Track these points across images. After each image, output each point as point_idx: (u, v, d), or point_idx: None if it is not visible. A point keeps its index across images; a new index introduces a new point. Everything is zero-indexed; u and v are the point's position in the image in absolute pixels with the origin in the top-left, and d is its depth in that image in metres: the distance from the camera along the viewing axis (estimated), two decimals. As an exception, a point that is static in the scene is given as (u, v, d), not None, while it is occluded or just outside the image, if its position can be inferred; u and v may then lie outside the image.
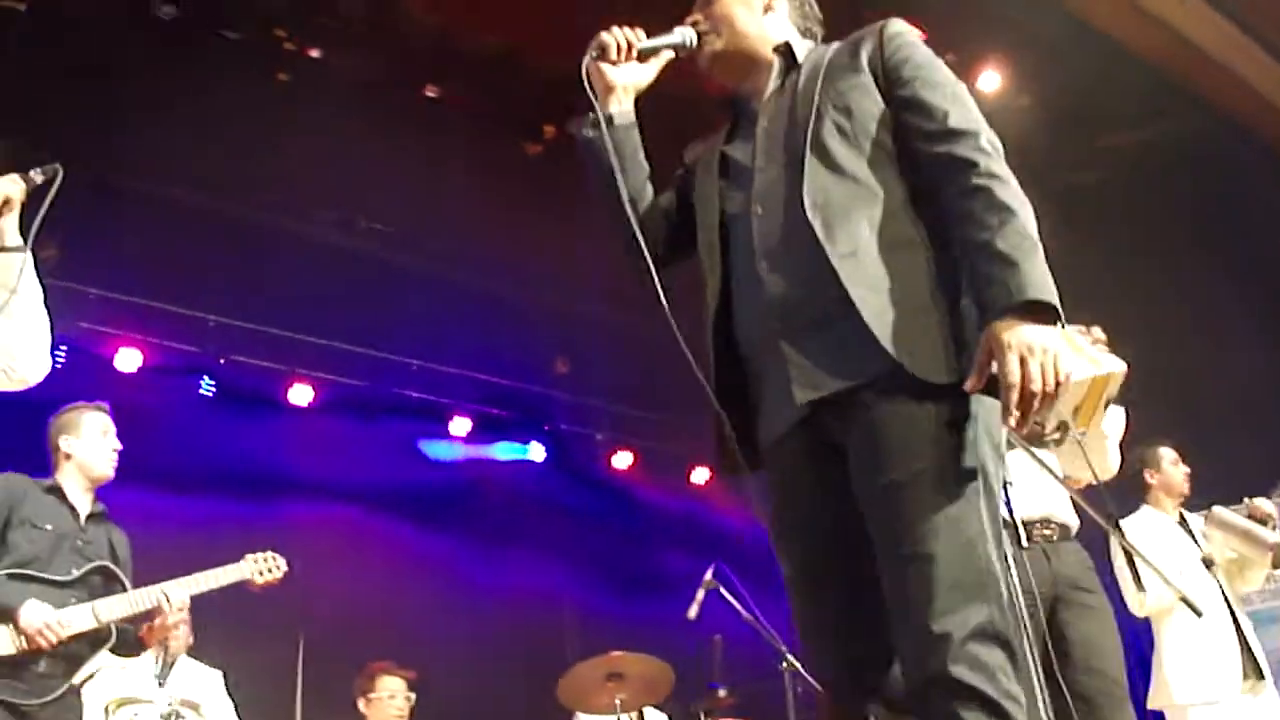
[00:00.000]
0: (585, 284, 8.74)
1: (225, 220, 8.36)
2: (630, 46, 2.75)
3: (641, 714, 7.37)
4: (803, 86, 2.68)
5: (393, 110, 7.94)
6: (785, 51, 2.80)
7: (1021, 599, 3.39)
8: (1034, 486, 4.28)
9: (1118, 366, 4.22)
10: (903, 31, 2.73)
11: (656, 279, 2.60)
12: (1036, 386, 2.28)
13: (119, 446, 5.37)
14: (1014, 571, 3.41)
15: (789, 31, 2.86)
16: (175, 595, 5.14)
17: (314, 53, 7.76)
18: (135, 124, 7.16)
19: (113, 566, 5.18)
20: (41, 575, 4.93)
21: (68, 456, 5.26)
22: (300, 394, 9.41)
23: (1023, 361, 2.28)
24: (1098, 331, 4.44)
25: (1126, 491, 5.98)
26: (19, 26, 6.88)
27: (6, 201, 3.19)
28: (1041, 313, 2.33)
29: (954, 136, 2.52)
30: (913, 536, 2.29)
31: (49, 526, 5.05)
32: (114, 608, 5.02)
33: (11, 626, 4.74)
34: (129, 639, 5.20)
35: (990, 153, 2.50)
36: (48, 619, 4.76)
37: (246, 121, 7.45)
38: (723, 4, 2.82)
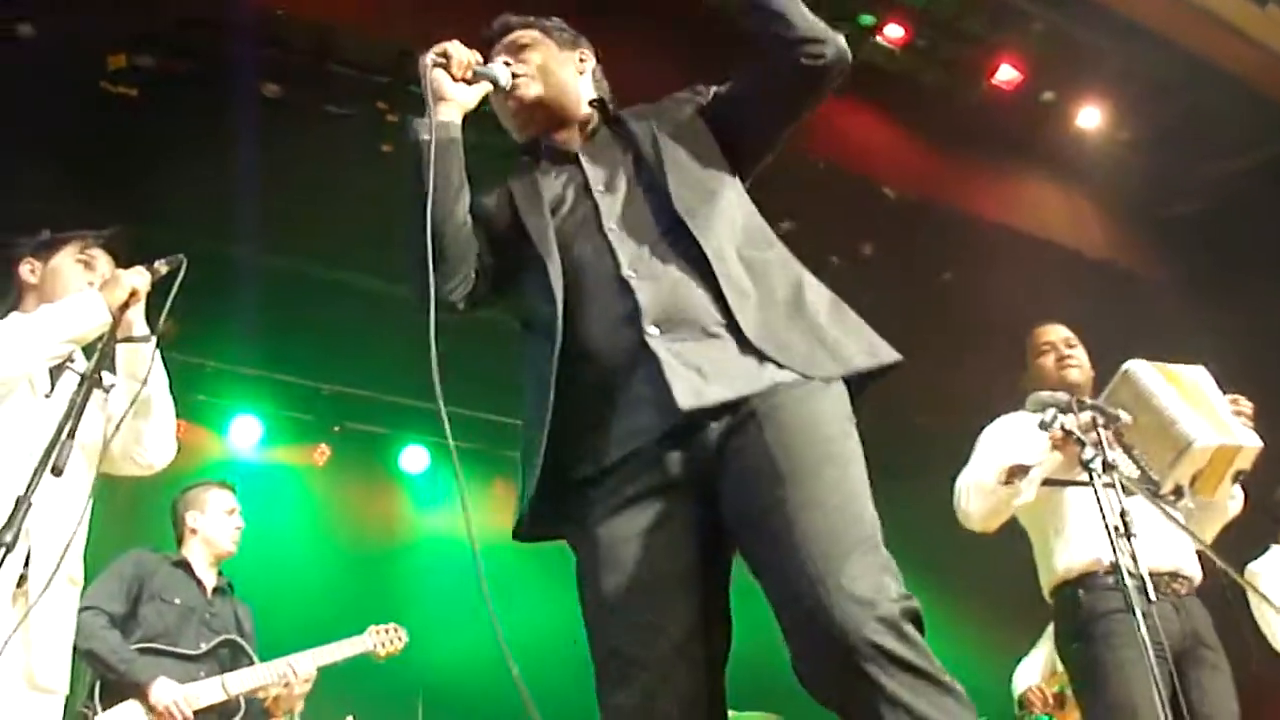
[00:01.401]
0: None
1: (336, 289, 8.47)
2: (468, 65, 2.69)
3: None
4: (634, 123, 2.77)
5: (495, 177, 8.01)
6: (601, 105, 2.90)
7: (1152, 652, 3.33)
8: (1163, 539, 4.18)
9: (1249, 440, 4.12)
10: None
11: (433, 295, 2.49)
12: None
13: (241, 524, 5.49)
14: (1143, 627, 3.35)
15: (593, 92, 2.94)
16: (302, 669, 5.20)
17: (416, 123, 7.86)
18: (246, 197, 7.30)
19: (240, 640, 5.27)
20: (172, 649, 5.04)
21: (194, 532, 5.38)
22: (414, 459, 9.49)
23: None
24: (1245, 403, 4.32)
25: (1248, 535, 5.81)
26: (132, 105, 7.06)
27: (134, 294, 3.27)
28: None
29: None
30: (830, 538, 2.15)
31: (178, 601, 5.16)
32: (242, 681, 5.10)
33: (144, 701, 4.83)
34: (256, 711, 5.26)
35: None
36: (177, 696, 4.84)
37: (354, 192, 7.56)
38: (541, 55, 2.86)
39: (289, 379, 9.10)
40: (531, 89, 2.81)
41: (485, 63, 2.76)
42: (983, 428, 4.59)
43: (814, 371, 2.38)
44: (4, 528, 2.56)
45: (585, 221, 2.63)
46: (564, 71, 2.89)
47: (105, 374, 3.04)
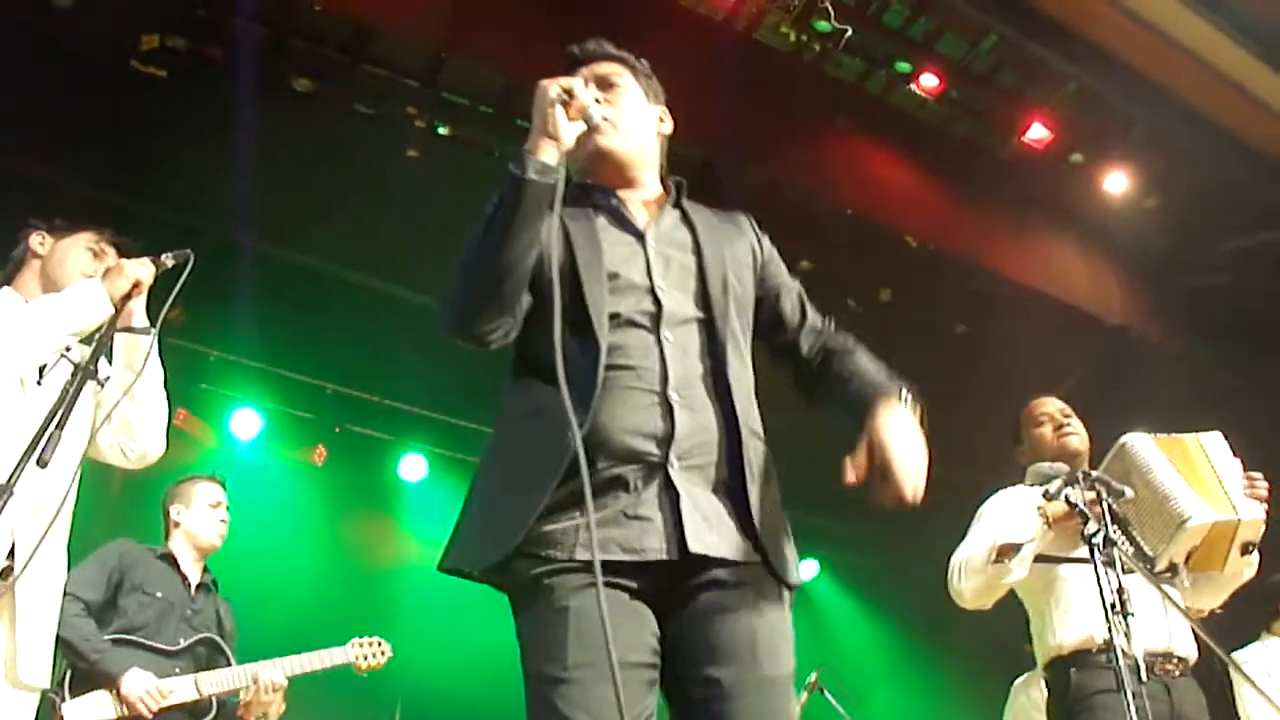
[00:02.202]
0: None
1: (348, 289, 8.44)
2: (582, 109, 2.58)
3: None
4: (704, 238, 2.76)
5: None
6: (679, 187, 2.86)
7: None
8: (1157, 618, 4.13)
9: (1249, 514, 4.06)
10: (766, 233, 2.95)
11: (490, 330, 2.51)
12: (914, 481, 2.53)
13: (227, 519, 5.43)
14: (1132, 708, 3.30)
15: (659, 160, 2.91)
16: (276, 676, 5.16)
17: (443, 130, 7.84)
18: (263, 190, 7.27)
19: (219, 639, 5.22)
20: (148, 643, 4.98)
21: (177, 525, 5.33)
22: (412, 467, 9.44)
23: (909, 450, 2.52)
24: (1261, 481, 4.27)
25: (1245, 619, 5.74)
26: (161, 86, 7.04)
27: (137, 285, 3.22)
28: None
29: (826, 331, 2.88)
30: None
31: (159, 594, 5.10)
32: (216, 681, 5.06)
33: (114, 692, 4.77)
34: (229, 712, 5.20)
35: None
36: (149, 687, 4.79)
37: (374, 194, 7.54)
38: (628, 102, 2.83)
39: (293, 375, 9.05)
40: (611, 139, 2.74)
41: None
42: (987, 495, 4.54)
43: (787, 577, 2.54)
44: (-15, 517, 2.51)
45: (641, 314, 2.61)
46: (644, 128, 2.85)
47: (100, 364, 2.98)
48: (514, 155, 2.48)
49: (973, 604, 4.25)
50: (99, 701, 4.77)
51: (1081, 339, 8.47)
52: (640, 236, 2.71)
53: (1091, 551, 3.60)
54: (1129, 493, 3.87)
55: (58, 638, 4.57)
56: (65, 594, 4.61)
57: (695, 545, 2.41)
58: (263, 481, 8.18)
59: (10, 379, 3.16)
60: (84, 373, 2.84)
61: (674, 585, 2.46)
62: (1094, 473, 3.97)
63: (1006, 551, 4.09)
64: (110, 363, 3.33)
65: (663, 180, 2.89)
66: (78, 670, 4.78)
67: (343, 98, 7.59)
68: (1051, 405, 4.62)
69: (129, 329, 3.30)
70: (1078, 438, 4.50)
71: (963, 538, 4.40)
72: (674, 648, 2.45)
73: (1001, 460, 4.73)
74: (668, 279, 2.66)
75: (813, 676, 6.57)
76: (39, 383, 3.26)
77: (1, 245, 3.59)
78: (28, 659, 3.09)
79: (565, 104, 2.54)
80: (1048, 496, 3.82)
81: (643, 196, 2.81)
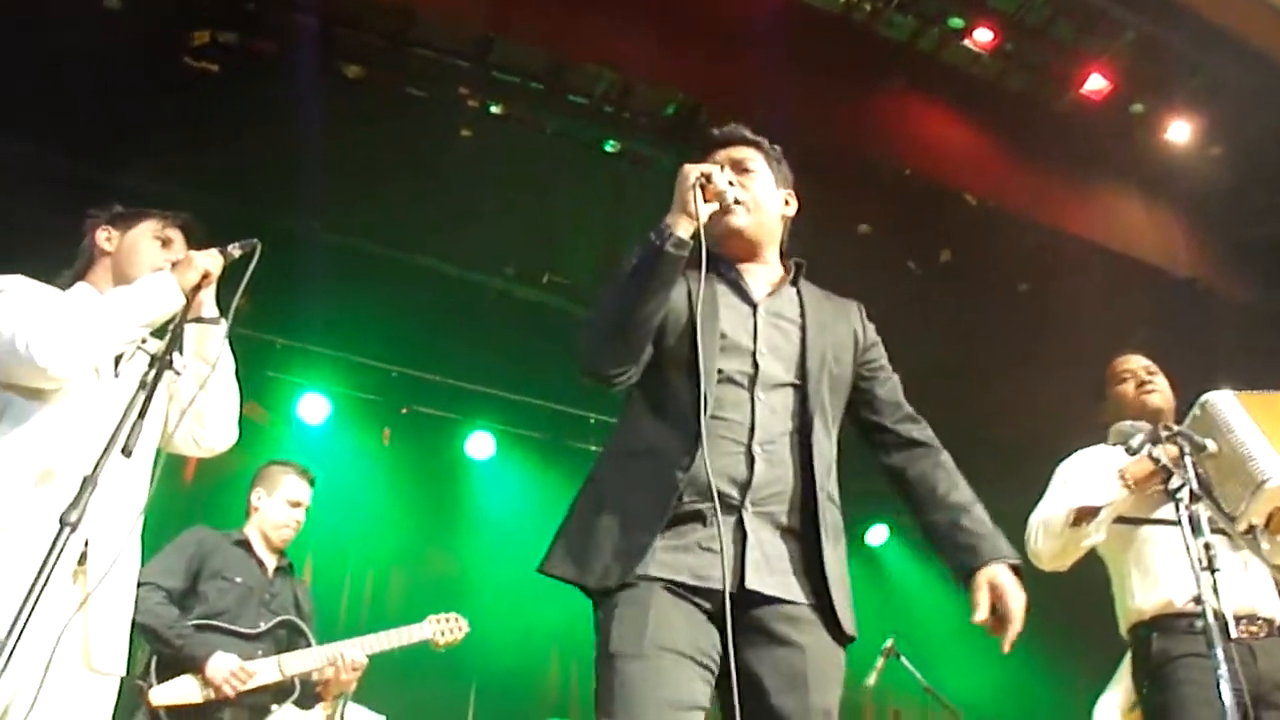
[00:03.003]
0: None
1: (409, 270, 8.48)
2: (718, 194, 2.88)
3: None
4: (811, 316, 3.05)
5: (576, 164, 8.01)
6: (798, 268, 3.16)
7: (1230, 696, 3.25)
8: (1240, 578, 4.06)
9: None
10: (873, 322, 3.23)
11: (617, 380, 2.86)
12: (1017, 629, 2.79)
13: (301, 521, 5.46)
14: (1223, 667, 3.27)
15: (781, 239, 3.20)
16: (356, 654, 5.21)
17: (496, 109, 7.86)
18: (323, 177, 7.33)
19: (298, 621, 5.27)
20: (230, 627, 5.04)
21: (255, 510, 5.38)
22: (480, 445, 9.49)
23: (1019, 606, 2.79)
24: None
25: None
26: (214, 81, 7.10)
27: (206, 276, 3.25)
28: (1019, 576, 2.86)
29: (917, 421, 3.14)
30: None
31: (238, 579, 5.16)
32: (299, 662, 5.11)
33: (199, 676, 4.84)
34: (310, 691, 5.26)
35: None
36: (233, 669, 4.85)
37: (429, 175, 7.58)
38: (759, 186, 3.12)
39: (358, 359, 9.13)
40: (741, 219, 3.04)
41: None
42: (1054, 455, 4.49)
43: (846, 628, 2.80)
44: (69, 507, 2.55)
45: (741, 374, 2.90)
46: (771, 209, 3.14)
47: (174, 355, 3.01)
48: (656, 227, 2.81)
49: (1050, 566, 4.21)
50: (185, 686, 4.84)
51: (1147, 293, 8.37)
52: (754, 306, 3.02)
53: (1176, 508, 3.56)
54: (1211, 446, 3.83)
55: (142, 626, 4.69)
56: (146, 583, 4.74)
57: (752, 583, 2.72)
58: (332, 465, 8.23)
59: (87, 371, 3.21)
60: (161, 363, 2.87)
61: (736, 614, 2.67)
62: (1177, 427, 3.93)
63: (1085, 514, 4.06)
64: (183, 354, 3.37)
65: (782, 255, 3.20)
66: (163, 656, 4.86)
67: (394, 82, 7.63)
68: (1135, 362, 4.56)
69: (200, 319, 3.34)
70: (1160, 395, 4.44)
71: (1038, 498, 4.35)
72: (739, 675, 2.65)
73: (1069, 419, 4.68)
74: (771, 347, 2.97)
75: (888, 643, 6.55)
76: (115, 374, 3.31)
77: (67, 245, 3.62)
78: (102, 645, 3.14)
79: (703, 187, 2.83)
80: (1130, 451, 3.77)
81: (763, 272, 3.12)
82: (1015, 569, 2.84)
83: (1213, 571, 3.43)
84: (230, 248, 3.27)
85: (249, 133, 7.12)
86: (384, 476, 9.23)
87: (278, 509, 5.38)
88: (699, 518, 2.76)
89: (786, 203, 3.21)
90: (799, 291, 3.11)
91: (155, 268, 3.36)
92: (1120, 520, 4.13)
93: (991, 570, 2.81)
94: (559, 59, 7.74)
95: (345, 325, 8.62)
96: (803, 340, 3.00)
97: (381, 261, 8.37)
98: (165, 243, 3.50)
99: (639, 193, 8.20)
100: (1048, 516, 4.21)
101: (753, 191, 3.07)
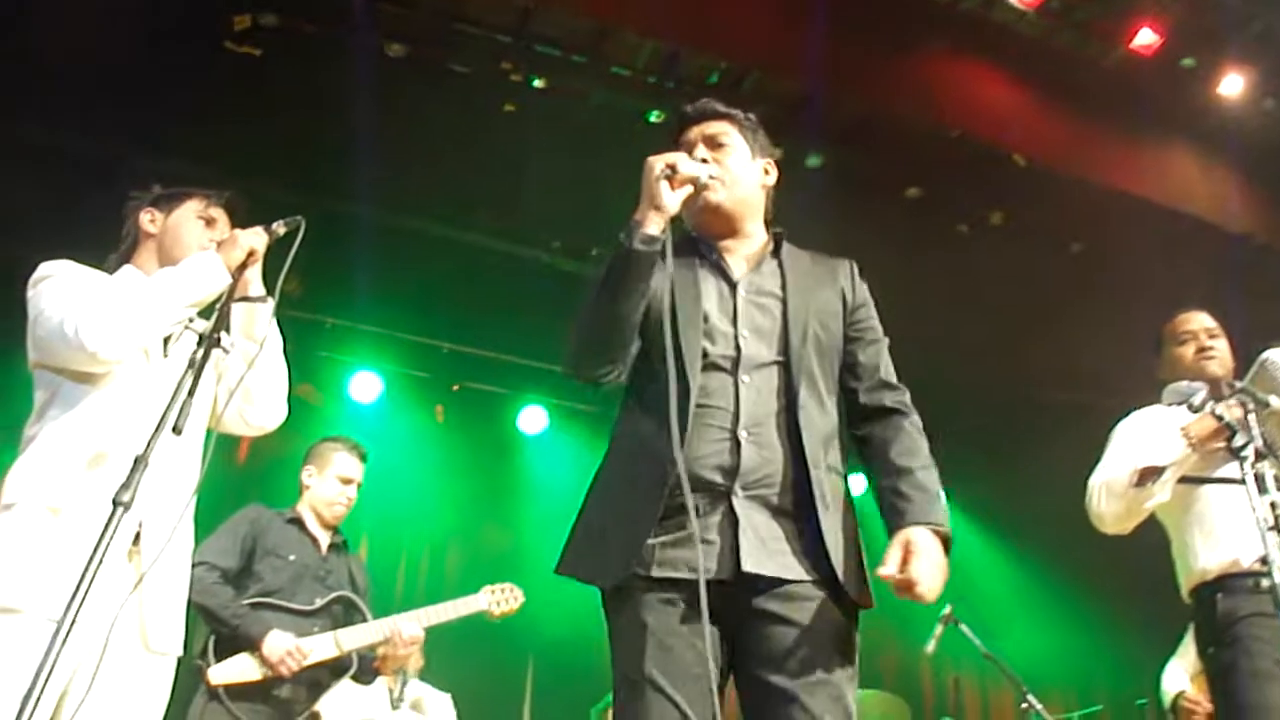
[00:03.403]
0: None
1: (457, 247, 8.50)
2: (686, 180, 2.85)
3: (872, 754, 7.22)
4: (793, 286, 3.02)
5: (621, 135, 7.99)
6: (778, 238, 3.14)
7: None
8: None
9: None
10: (865, 281, 3.18)
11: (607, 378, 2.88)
12: (925, 589, 2.69)
13: (353, 498, 5.46)
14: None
15: (763, 210, 3.17)
16: (413, 628, 5.22)
17: (539, 83, 7.84)
18: (368, 156, 7.34)
19: (353, 596, 5.29)
20: (286, 605, 5.07)
21: (307, 488, 5.41)
22: (532, 419, 9.52)
23: (929, 567, 2.71)
24: None
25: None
26: (254, 65, 7.11)
27: (251, 254, 3.25)
28: (945, 543, 2.81)
29: (892, 387, 3.06)
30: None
31: (292, 557, 5.19)
32: (355, 637, 5.14)
33: (257, 654, 4.88)
34: (368, 666, 5.28)
35: (914, 409, 3.04)
36: (290, 647, 4.88)
37: (475, 150, 7.58)
38: (734, 160, 3.09)
39: (409, 336, 9.17)
40: (719, 194, 3.02)
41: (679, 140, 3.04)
42: (1110, 417, 4.44)
43: (856, 594, 2.80)
44: (122, 487, 2.55)
45: (724, 358, 2.89)
46: (749, 182, 3.11)
47: (222, 334, 3.01)
48: (624, 225, 2.79)
49: (1113, 528, 4.17)
50: (243, 664, 4.87)
51: (1203, 250, 8.23)
52: (734, 286, 3.01)
53: (1240, 466, 3.51)
54: (1275, 402, 3.77)
55: (198, 606, 4.72)
56: (201, 563, 4.78)
57: (748, 565, 2.71)
58: (385, 443, 8.27)
59: (136, 354, 3.22)
60: (209, 341, 2.88)
61: (739, 601, 2.74)
62: (1238, 383, 3.87)
63: (1149, 474, 4.01)
64: (230, 333, 3.37)
65: (768, 226, 3.18)
66: (220, 636, 4.89)
67: (436, 59, 7.61)
68: (1197, 323, 4.48)
69: (246, 298, 3.35)
70: (1217, 363, 4.35)
71: (1094, 459, 4.31)
72: (740, 656, 2.78)
73: (1125, 381, 4.63)
74: (752, 326, 2.95)
75: (946, 610, 6.51)
76: (164, 355, 3.32)
77: (113, 230, 3.63)
78: (158, 625, 3.16)
79: (670, 177, 2.81)
80: (1192, 409, 3.72)
81: (744, 248, 3.10)
82: (942, 536, 2.80)
83: (1279, 530, 3.38)
84: (275, 225, 3.27)
85: (292, 115, 7.14)
86: (437, 453, 9.28)
87: (329, 486, 5.39)
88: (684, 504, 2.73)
89: (766, 172, 3.19)
90: (780, 262, 3.09)
91: (200, 247, 3.37)
92: (1182, 480, 4.08)
93: (910, 531, 2.78)
94: (601, 30, 7.71)
95: (395, 303, 8.66)
96: (784, 314, 2.98)
97: (429, 238, 8.39)
98: (209, 222, 3.51)
99: (685, 162, 8.14)
100: (1110, 478, 4.16)
101: (727, 166, 3.05)
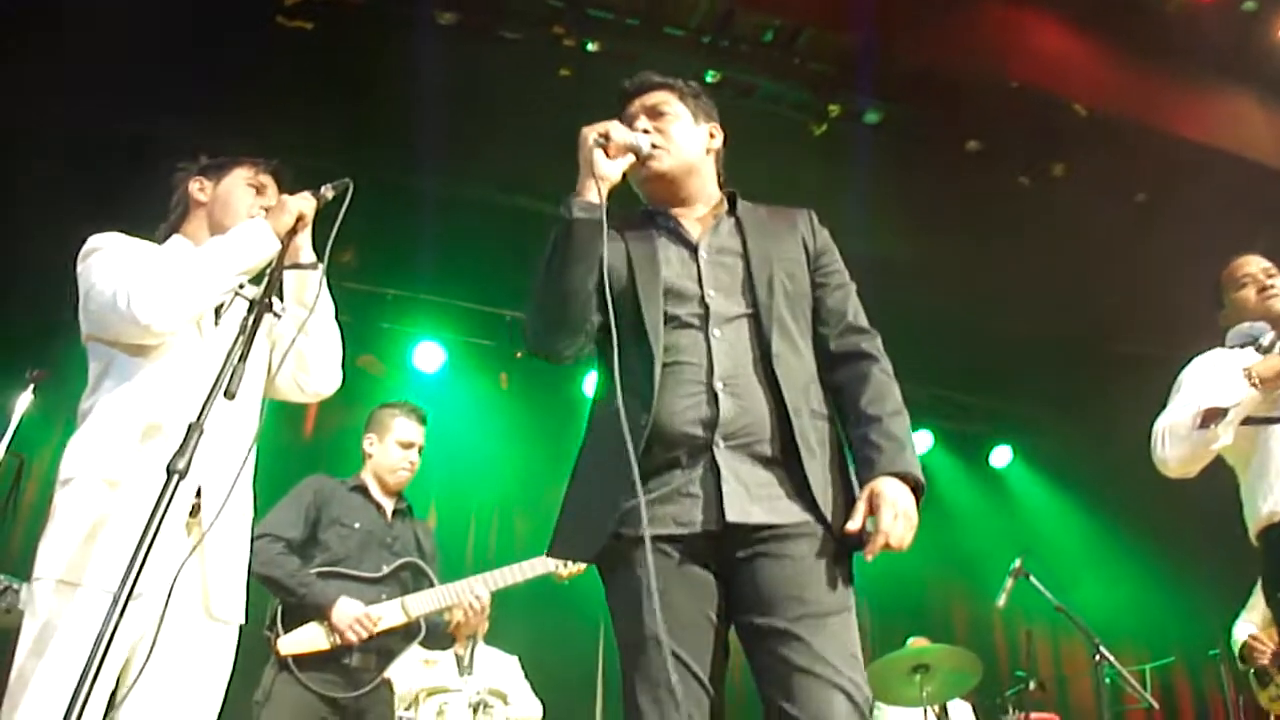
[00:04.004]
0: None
1: (515, 214, 8.50)
2: (623, 147, 2.93)
3: (944, 707, 7.20)
4: (753, 240, 3.05)
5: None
6: (731, 198, 3.17)
7: None
8: None
9: None
10: (825, 228, 3.19)
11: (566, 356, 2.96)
12: (895, 542, 2.70)
13: (416, 462, 5.47)
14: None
15: (714, 172, 3.22)
16: (481, 591, 5.24)
17: (593, 47, 7.81)
18: (424, 125, 7.36)
19: (420, 562, 5.31)
20: (353, 573, 5.10)
21: (369, 456, 5.44)
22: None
23: (895, 518, 2.71)
24: None
25: None
26: (305, 38, 7.14)
27: (301, 219, 3.26)
28: (915, 488, 2.80)
29: (861, 332, 3.06)
30: (826, 663, 2.64)
31: (357, 524, 5.22)
32: (423, 602, 5.16)
33: (325, 623, 4.92)
34: (438, 632, 5.32)
35: (884, 355, 3.03)
36: (358, 614, 4.91)
37: (530, 117, 7.56)
38: (677, 127, 3.12)
39: (471, 305, 9.20)
40: (664, 162, 3.07)
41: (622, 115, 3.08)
42: (1178, 367, 4.38)
43: (837, 529, 2.78)
44: (176, 455, 2.56)
45: (692, 316, 2.93)
46: (694, 147, 3.14)
47: (273, 299, 3.02)
48: (562, 199, 2.89)
49: (1178, 472, 4.12)
50: (311, 633, 4.92)
51: (1268, 197, 8.11)
52: (694, 249, 3.04)
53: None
54: None
55: (264, 577, 4.77)
56: (265, 535, 4.83)
57: (732, 515, 2.73)
58: (450, 411, 8.32)
59: (189, 324, 3.24)
60: (260, 307, 2.89)
61: (730, 551, 2.77)
62: None
63: (1212, 416, 3.95)
64: (282, 300, 3.39)
65: (722, 189, 3.22)
66: (288, 606, 4.93)
67: (488, 26, 7.59)
68: (1254, 265, 4.42)
69: (297, 264, 3.36)
70: None
71: (1161, 409, 4.25)
72: (736, 604, 2.78)
73: (1192, 330, 4.56)
74: (717, 284, 2.97)
75: (1016, 563, 6.47)
76: (216, 324, 3.34)
77: (164, 208, 3.65)
78: (219, 592, 3.19)
79: (604, 146, 2.90)
80: (1260, 350, 3.68)
81: (698, 212, 3.13)
82: (911, 482, 2.80)
83: None
84: (323, 189, 3.29)
85: (346, 88, 7.16)
86: (502, 420, 9.31)
87: (390, 452, 5.41)
88: (675, 465, 2.80)
89: (711, 135, 3.22)
90: (737, 220, 3.12)
91: (249, 215, 3.39)
92: (1248, 421, 4.02)
93: (877, 482, 2.78)
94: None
95: (455, 272, 8.69)
96: (747, 269, 3.00)
97: (487, 206, 8.39)
98: (258, 189, 3.52)
99: (744, 121, 8.11)
100: (1173, 421, 4.11)
101: (670, 134, 3.09)
